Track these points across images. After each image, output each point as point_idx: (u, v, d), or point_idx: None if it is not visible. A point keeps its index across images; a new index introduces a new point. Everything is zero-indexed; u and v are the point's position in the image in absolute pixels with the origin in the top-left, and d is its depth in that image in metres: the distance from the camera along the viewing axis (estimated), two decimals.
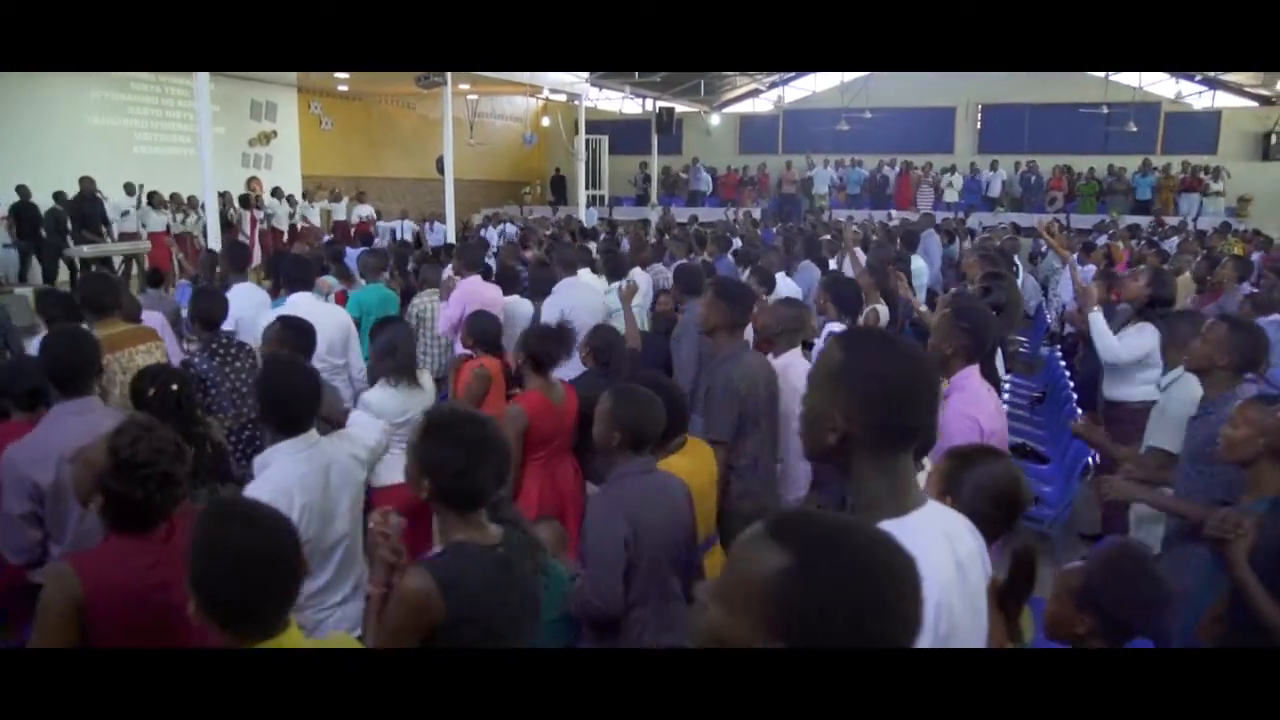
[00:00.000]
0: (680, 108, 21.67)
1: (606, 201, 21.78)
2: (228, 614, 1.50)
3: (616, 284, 6.25)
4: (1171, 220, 17.02)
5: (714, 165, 23.11)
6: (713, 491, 3.15)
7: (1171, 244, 12.35)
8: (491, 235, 16.30)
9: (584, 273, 7.29)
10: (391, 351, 3.80)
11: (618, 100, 21.74)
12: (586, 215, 17.95)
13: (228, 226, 13.35)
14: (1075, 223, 17.12)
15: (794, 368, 3.74)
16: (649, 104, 21.21)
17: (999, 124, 21.56)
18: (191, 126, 16.10)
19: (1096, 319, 4.81)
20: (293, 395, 2.56)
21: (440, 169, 14.03)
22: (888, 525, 1.20)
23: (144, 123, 15.26)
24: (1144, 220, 16.66)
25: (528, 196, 22.97)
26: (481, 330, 4.53)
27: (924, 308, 6.32)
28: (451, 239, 14.01)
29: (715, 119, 23.60)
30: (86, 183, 11.93)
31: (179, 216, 13.28)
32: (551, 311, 5.50)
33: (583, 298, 5.78)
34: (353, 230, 16.77)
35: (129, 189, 13.03)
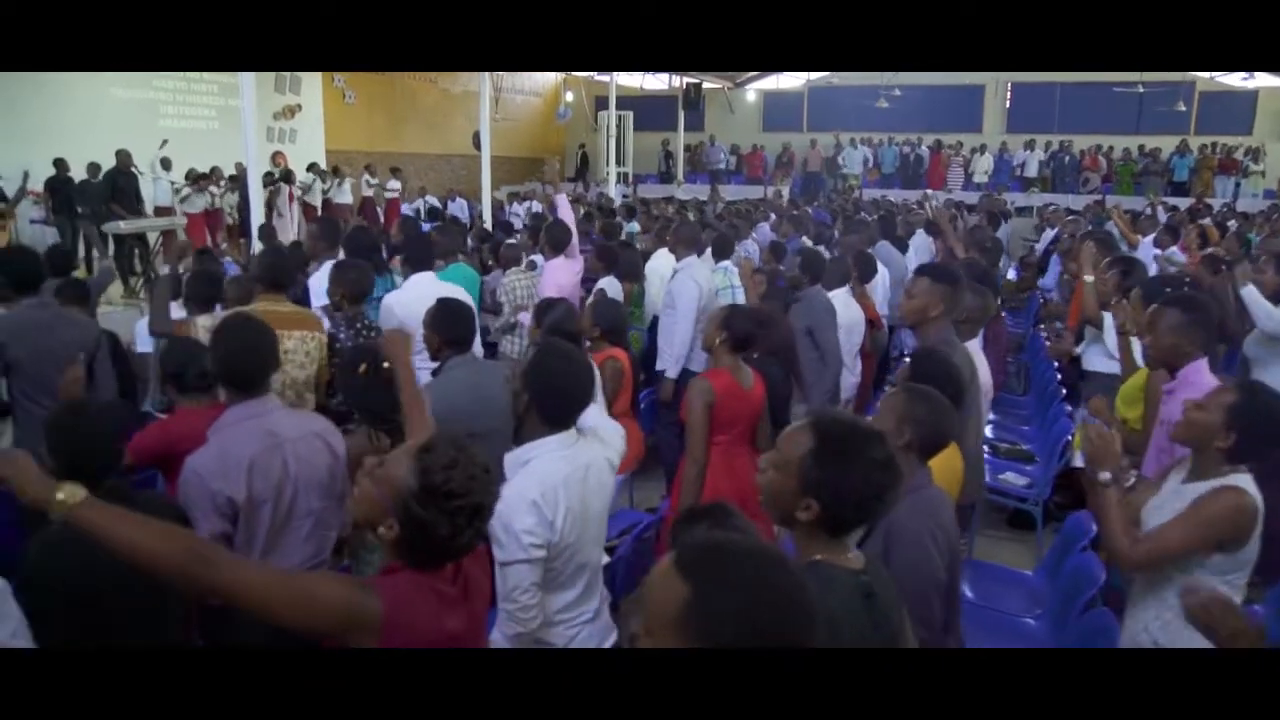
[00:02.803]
0: (703, 84, 21.29)
1: (630, 179, 21.41)
2: None
3: (723, 263, 6.00)
4: (1207, 202, 16.75)
5: (737, 142, 22.77)
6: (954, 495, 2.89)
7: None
8: (517, 212, 16.03)
9: (664, 252, 7.05)
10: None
11: (639, 75, 21.35)
12: (616, 192, 17.64)
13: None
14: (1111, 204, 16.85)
15: (978, 356, 3.53)
16: (674, 80, 20.83)
17: (1029, 102, 21.20)
18: (217, 99, 15.76)
19: (1250, 290, 4.55)
20: (572, 386, 2.31)
21: (476, 144, 13.69)
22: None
23: (169, 95, 14.87)
24: (1182, 202, 16.40)
25: (550, 173, 22.57)
26: (609, 318, 4.29)
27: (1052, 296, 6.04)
28: (486, 216, 13.71)
29: (750, 95, 23.20)
30: (123, 156, 11.56)
31: (216, 192, 12.94)
32: (688, 291, 5.22)
33: (707, 278, 5.49)
34: (383, 208, 16.49)
35: (165, 164, 12.68)
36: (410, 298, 4.35)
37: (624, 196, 17.52)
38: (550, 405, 2.31)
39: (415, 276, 4.58)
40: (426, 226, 9.84)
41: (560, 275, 5.49)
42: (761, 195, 18.27)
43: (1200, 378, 2.94)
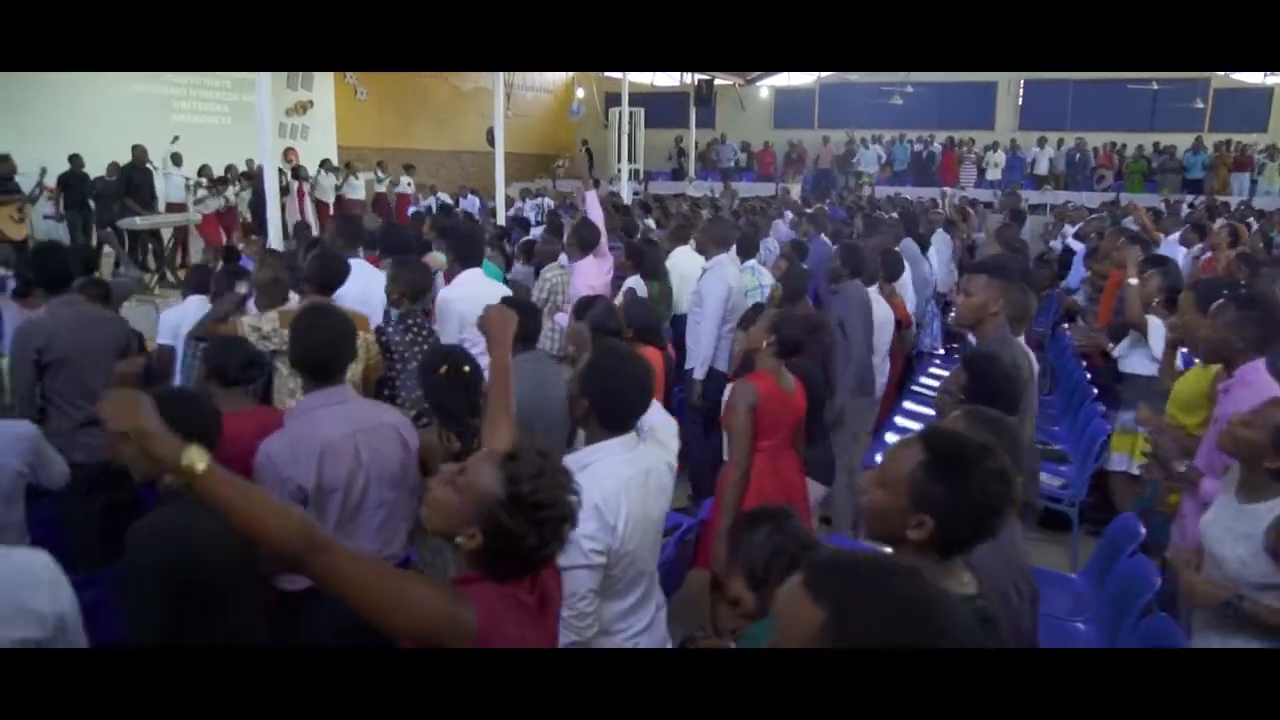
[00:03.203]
0: (715, 80, 21.21)
1: (642, 176, 21.34)
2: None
3: (749, 262, 5.94)
4: (1222, 200, 16.63)
5: (748, 139, 22.68)
6: None
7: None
8: (528, 210, 15.96)
9: (684, 249, 6.98)
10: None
11: (650, 72, 21.28)
12: (628, 189, 17.55)
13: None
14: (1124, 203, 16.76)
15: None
16: (686, 76, 20.75)
17: (1041, 99, 21.09)
18: (230, 95, 15.74)
19: None
20: (631, 388, 2.25)
21: (490, 141, 13.62)
22: None
23: (183, 90, 14.87)
24: (1196, 200, 16.28)
25: (560, 170, 22.53)
26: (641, 318, 4.23)
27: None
28: (501, 214, 13.63)
29: (762, 91, 23.09)
30: (139, 152, 11.54)
31: (232, 191, 12.90)
32: (716, 290, 5.16)
33: (737, 278, 5.43)
34: (393, 205, 16.44)
35: (176, 159, 12.66)
36: (465, 293, 4.36)
37: (634, 194, 17.44)
38: (610, 409, 2.25)
39: (465, 273, 4.55)
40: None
41: (589, 276, 5.44)
42: (773, 193, 18.19)
43: (1258, 377, 2.87)
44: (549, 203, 16.83)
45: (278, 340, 3.43)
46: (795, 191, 18.58)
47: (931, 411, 6.47)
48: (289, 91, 16.59)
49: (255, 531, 1.43)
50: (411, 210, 14.76)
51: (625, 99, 17.44)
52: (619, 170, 18.58)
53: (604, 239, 5.75)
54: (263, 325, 3.45)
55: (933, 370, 7.49)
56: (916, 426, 6.08)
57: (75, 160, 11.37)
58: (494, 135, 13.45)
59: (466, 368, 2.75)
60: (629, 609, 2.28)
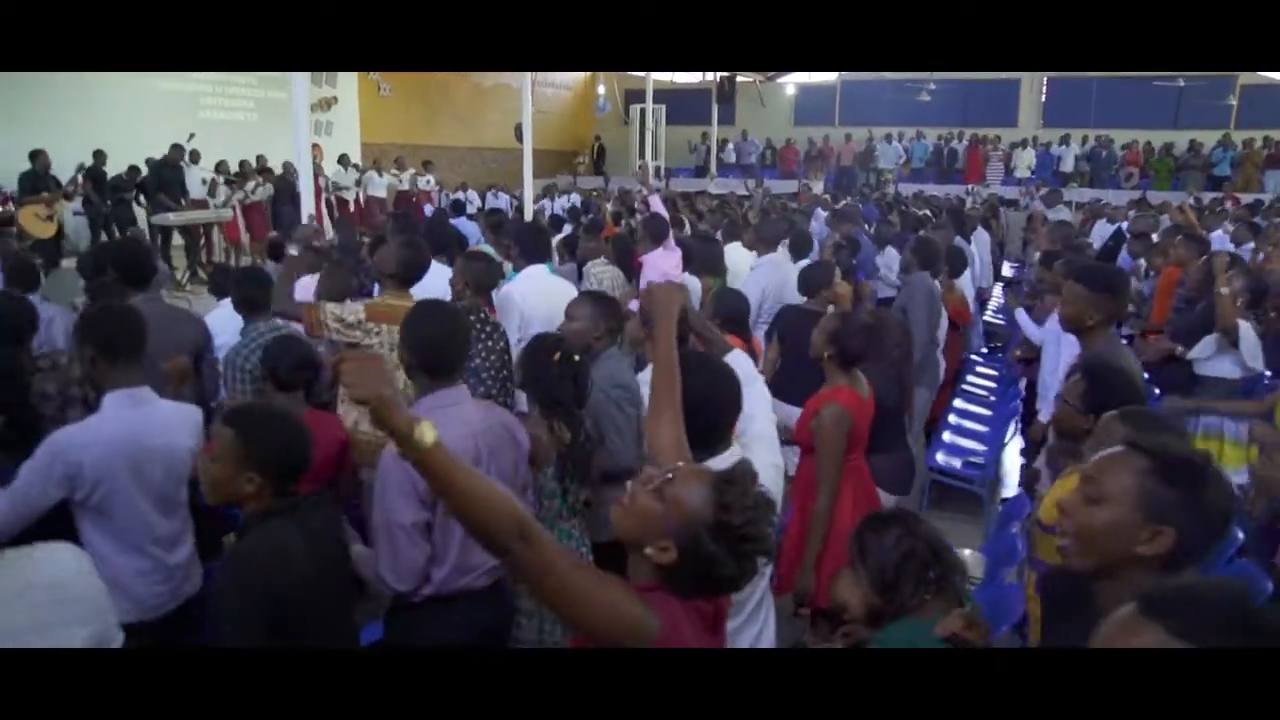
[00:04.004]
0: (736, 77, 21.13)
1: (663, 173, 21.28)
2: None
3: (802, 261, 5.88)
4: (1250, 198, 16.46)
5: (769, 136, 22.60)
6: None
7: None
8: (556, 208, 15.88)
9: (736, 245, 6.93)
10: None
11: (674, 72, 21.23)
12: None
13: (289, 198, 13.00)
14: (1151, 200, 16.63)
15: None
16: (708, 73, 20.67)
17: (1065, 96, 20.96)
18: (256, 91, 15.73)
19: None
20: (719, 399, 2.18)
21: (519, 137, 13.59)
22: None
23: (210, 87, 14.86)
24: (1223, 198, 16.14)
25: (580, 166, 22.51)
26: (729, 307, 4.16)
27: None
28: (528, 210, 13.58)
29: (787, 88, 22.98)
30: (175, 151, 11.57)
31: (251, 185, 12.88)
32: (754, 291, 5.13)
33: (786, 277, 5.38)
34: (415, 201, 16.40)
35: (194, 157, 12.65)
36: (529, 289, 4.30)
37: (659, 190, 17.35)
38: (697, 426, 2.14)
39: (529, 269, 4.48)
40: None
41: (662, 264, 5.42)
42: (795, 190, 18.10)
43: None
44: (577, 199, 16.79)
45: (361, 333, 3.37)
46: (817, 189, 18.49)
47: (985, 410, 6.47)
48: (314, 87, 16.55)
49: (472, 513, 1.40)
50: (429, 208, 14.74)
51: (650, 96, 17.40)
52: (640, 167, 18.51)
53: (670, 232, 5.75)
54: (346, 315, 3.38)
55: (978, 369, 7.43)
56: (975, 426, 6.06)
57: (98, 156, 11.38)
58: (522, 132, 13.45)
59: (575, 358, 2.68)
60: (748, 616, 2.24)
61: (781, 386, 3.93)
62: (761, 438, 2.51)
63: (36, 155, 10.54)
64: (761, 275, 5.26)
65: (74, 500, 2.37)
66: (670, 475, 1.52)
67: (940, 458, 5.26)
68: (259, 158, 13.89)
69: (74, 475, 2.32)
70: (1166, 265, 6.09)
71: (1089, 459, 2.34)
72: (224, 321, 3.99)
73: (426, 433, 1.37)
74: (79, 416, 2.99)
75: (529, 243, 4.62)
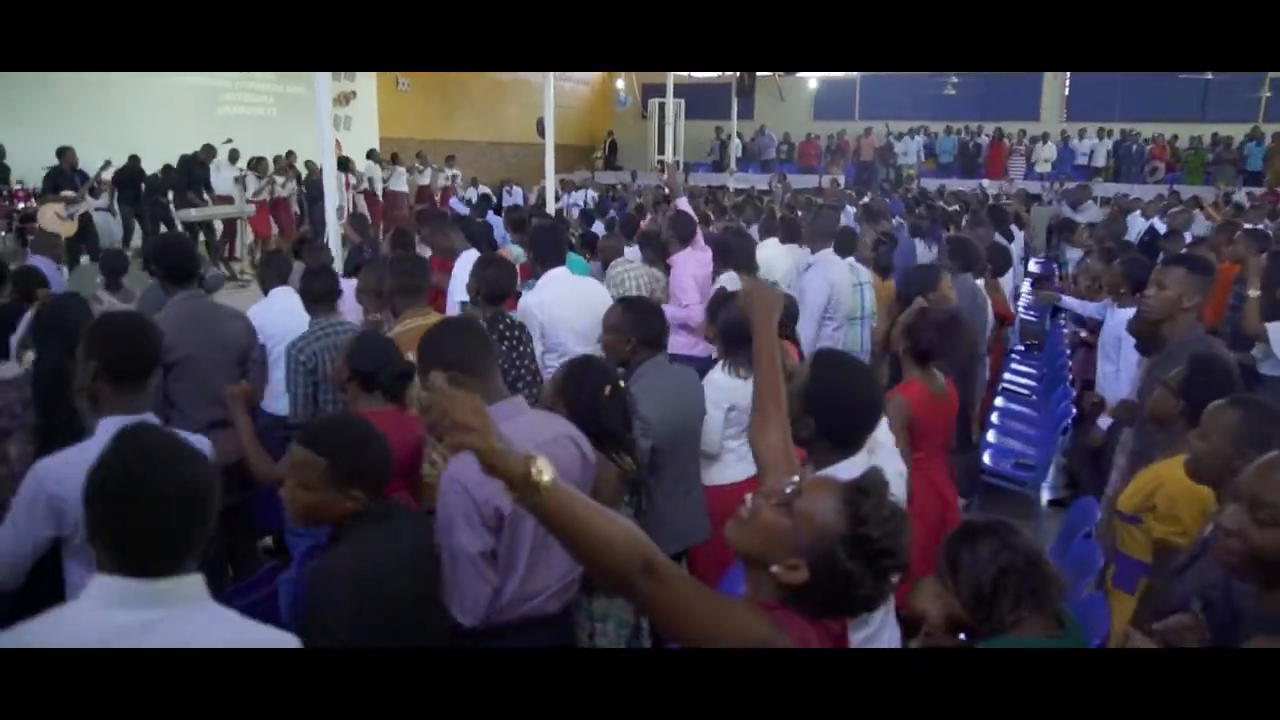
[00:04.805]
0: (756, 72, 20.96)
1: (682, 168, 21.14)
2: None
3: (848, 259, 5.76)
4: None
5: (788, 131, 22.43)
6: None
7: None
8: (568, 203, 15.77)
9: (771, 242, 6.81)
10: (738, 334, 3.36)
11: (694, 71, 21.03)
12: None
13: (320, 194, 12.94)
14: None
15: None
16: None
17: (1089, 90, 20.69)
18: (275, 86, 15.67)
19: None
20: (861, 400, 2.08)
21: (541, 132, 13.48)
22: None
23: (229, 82, 14.81)
24: (1257, 192, 15.92)
25: (598, 161, 22.40)
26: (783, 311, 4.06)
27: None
28: (549, 205, 13.46)
29: (809, 82, 22.80)
30: (207, 150, 11.59)
31: (281, 180, 12.85)
32: (818, 288, 5.01)
33: (842, 275, 5.25)
34: (437, 197, 16.33)
35: (233, 156, 12.63)
36: (549, 296, 4.05)
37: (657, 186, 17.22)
38: (839, 427, 2.05)
39: (550, 273, 4.18)
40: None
41: (692, 266, 5.29)
42: (815, 185, 17.95)
43: None
44: (593, 195, 16.70)
45: None
46: (841, 182, 18.32)
47: (1029, 410, 6.34)
48: (333, 81, 16.51)
49: (595, 551, 1.29)
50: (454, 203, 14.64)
51: (670, 91, 17.26)
52: (658, 162, 18.39)
53: (699, 231, 5.62)
54: None
55: (1015, 367, 7.30)
56: (1018, 426, 5.94)
57: (134, 159, 11.36)
58: (544, 126, 13.32)
59: (621, 382, 2.57)
60: (876, 628, 2.13)
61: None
62: (885, 444, 2.42)
63: (64, 152, 10.52)
64: (821, 273, 5.12)
65: (62, 538, 2.11)
66: (797, 487, 1.41)
67: (988, 459, 5.14)
68: (289, 154, 13.86)
69: (58, 510, 2.06)
70: (1220, 262, 5.93)
71: (1190, 446, 2.26)
72: (285, 310, 3.92)
73: (543, 470, 1.26)
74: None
75: (546, 246, 4.32)
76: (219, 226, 11.88)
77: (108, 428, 2.12)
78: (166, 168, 11.62)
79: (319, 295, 3.63)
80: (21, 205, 10.38)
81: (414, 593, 2.02)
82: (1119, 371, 4.27)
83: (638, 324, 3.07)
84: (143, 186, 11.51)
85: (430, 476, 2.83)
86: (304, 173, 13.43)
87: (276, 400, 3.84)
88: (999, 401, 6.30)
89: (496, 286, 3.69)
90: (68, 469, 2.01)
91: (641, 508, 2.59)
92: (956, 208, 11.43)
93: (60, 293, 4.65)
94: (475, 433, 1.25)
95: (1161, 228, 8.64)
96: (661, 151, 18.43)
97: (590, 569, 1.34)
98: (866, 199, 13.00)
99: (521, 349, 3.71)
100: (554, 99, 11.41)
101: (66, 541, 2.11)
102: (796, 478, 1.47)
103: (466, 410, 1.26)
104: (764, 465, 1.85)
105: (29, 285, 4.65)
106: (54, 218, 10.18)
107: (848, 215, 11.00)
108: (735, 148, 21.25)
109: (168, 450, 1.43)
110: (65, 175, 10.46)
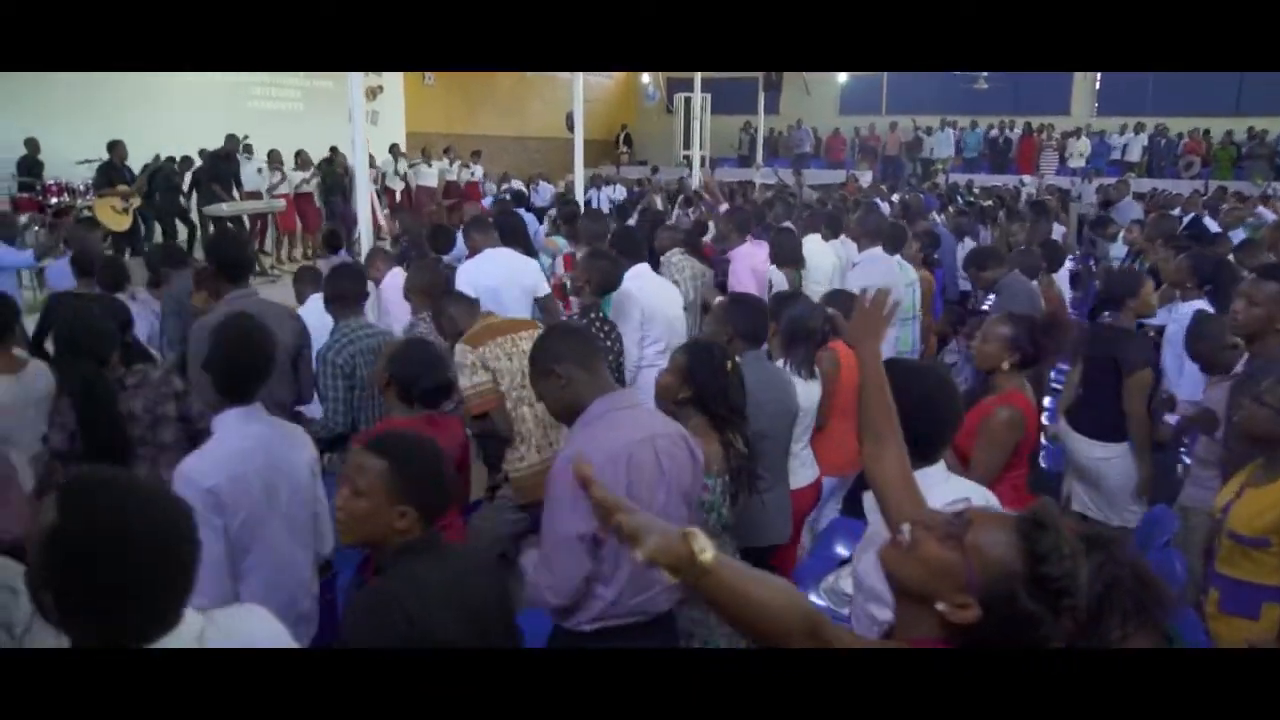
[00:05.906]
0: None
1: (708, 162, 20.99)
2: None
3: (895, 256, 5.66)
4: None
5: (814, 126, 22.23)
6: None
7: None
8: (602, 199, 15.68)
9: (814, 238, 6.71)
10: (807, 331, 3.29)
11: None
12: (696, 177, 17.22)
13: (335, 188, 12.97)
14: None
15: None
16: None
17: (1120, 83, 20.36)
18: (302, 81, 15.68)
19: None
20: (941, 407, 2.00)
21: (570, 126, 13.40)
22: None
23: (259, 77, 14.83)
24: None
25: (624, 156, 22.29)
26: (835, 305, 3.98)
27: None
28: (580, 200, 13.38)
29: (840, 77, 22.57)
30: (231, 141, 11.54)
31: (308, 174, 12.82)
32: (868, 285, 4.92)
33: (895, 274, 5.16)
34: (466, 190, 16.28)
35: (249, 149, 12.61)
36: (641, 286, 4.19)
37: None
38: (920, 438, 1.94)
39: (635, 267, 4.28)
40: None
41: (751, 260, 5.27)
42: (842, 180, 17.78)
43: None
44: (621, 191, 16.61)
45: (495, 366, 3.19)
46: (866, 179, 18.14)
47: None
48: (360, 74, 16.49)
49: (764, 625, 1.19)
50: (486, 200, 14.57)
51: (698, 85, 17.13)
52: (685, 157, 18.26)
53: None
54: (489, 359, 3.19)
55: (1062, 367, 7.13)
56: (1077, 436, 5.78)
57: (166, 161, 11.38)
58: (574, 121, 13.24)
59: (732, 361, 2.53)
60: None
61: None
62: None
63: (114, 146, 10.47)
64: (869, 272, 5.03)
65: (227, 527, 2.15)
66: (965, 519, 1.31)
67: (1042, 461, 5.01)
68: (332, 149, 13.82)
69: (216, 503, 2.09)
70: None
71: None
72: (320, 317, 3.84)
73: (705, 548, 1.15)
74: (173, 437, 2.86)
75: (629, 243, 4.50)
76: (247, 222, 11.85)
77: (227, 420, 2.33)
78: (185, 159, 11.54)
79: (351, 295, 3.57)
80: (54, 200, 10.37)
81: (468, 627, 1.87)
82: (1182, 365, 4.15)
83: (738, 317, 3.05)
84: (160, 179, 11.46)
85: None
86: (314, 166, 13.41)
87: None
88: (1045, 401, 6.16)
89: (608, 278, 3.74)
90: (212, 464, 2.18)
91: (739, 497, 2.53)
92: (990, 203, 11.26)
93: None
94: (655, 544, 1.15)
95: (1212, 224, 8.44)
96: (688, 146, 18.26)
97: (749, 636, 1.23)
98: (896, 196, 12.87)
99: (610, 344, 3.72)
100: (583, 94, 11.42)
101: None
102: (961, 507, 1.37)
103: (645, 529, 1.17)
104: (884, 495, 1.76)
105: (117, 276, 4.50)
106: (111, 212, 10.14)
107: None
108: (803, 140, 21.12)
109: (130, 497, 1.24)
110: (118, 169, 10.43)
